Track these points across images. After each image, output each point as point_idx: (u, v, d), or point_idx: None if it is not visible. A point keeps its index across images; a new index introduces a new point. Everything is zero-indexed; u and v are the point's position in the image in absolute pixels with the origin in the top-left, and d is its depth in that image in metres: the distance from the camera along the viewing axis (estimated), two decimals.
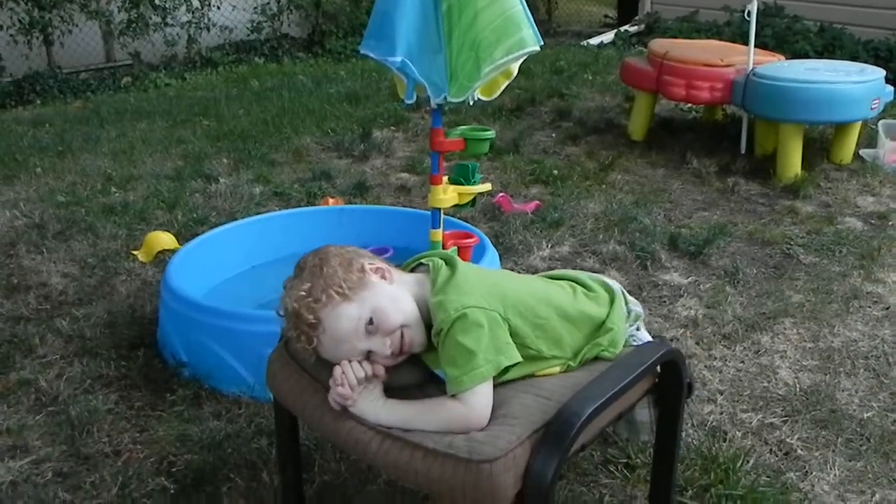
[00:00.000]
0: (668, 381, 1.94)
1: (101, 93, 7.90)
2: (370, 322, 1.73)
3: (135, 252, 3.95)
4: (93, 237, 4.18)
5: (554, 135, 5.86)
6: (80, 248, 4.06)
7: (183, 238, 3.94)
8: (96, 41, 8.75)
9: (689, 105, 6.12)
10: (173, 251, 3.67)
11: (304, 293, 1.73)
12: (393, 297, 1.77)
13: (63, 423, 2.69)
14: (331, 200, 4.35)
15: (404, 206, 4.18)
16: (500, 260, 3.32)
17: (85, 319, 3.37)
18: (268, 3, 9.57)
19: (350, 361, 1.74)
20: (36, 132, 6.29)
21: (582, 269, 3.64)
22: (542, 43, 2.55)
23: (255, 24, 9.52)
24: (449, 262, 1.84)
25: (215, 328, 2.80)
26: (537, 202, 4.46)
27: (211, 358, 2.80)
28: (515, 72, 2.64)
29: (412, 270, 1.94)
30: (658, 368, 1.92)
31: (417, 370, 1.84)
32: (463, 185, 2.81)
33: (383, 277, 1.80)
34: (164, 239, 3.95)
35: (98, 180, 5.06)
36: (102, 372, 2.97)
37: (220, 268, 3.49)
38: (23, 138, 6.09)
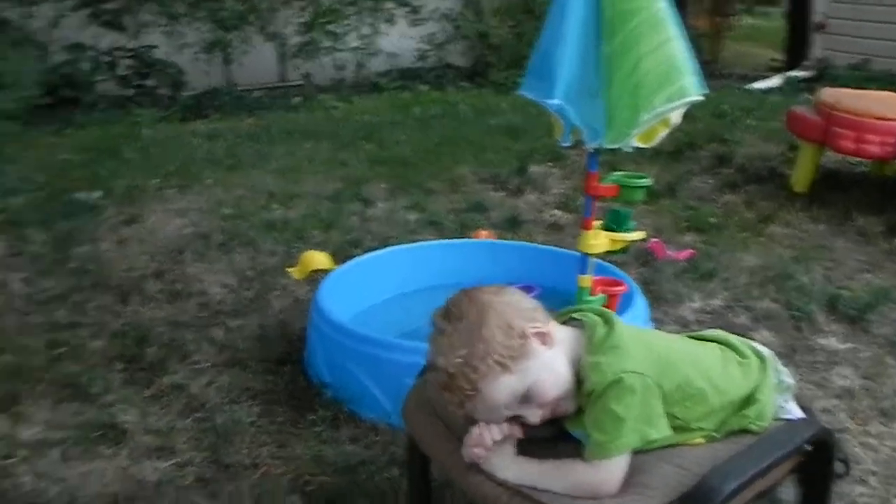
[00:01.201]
0: (817, 462, 1.84)
1: (272, 111, 8.22)
2: (526, 393, 1.67)
3: (290, 269, 4.08)
4: (253, 251, 4.36)
5: (712, 181, 5.72)
6: (240, 261, 4.24)
7: (337, 259, 4.05)
8: (271, 62, 9.16)
9: (858, 159, 5.84)
10: (327, 271, 3.78)
11: (461, 360, 1.64)
12: (552, 367, 1.69)
13: (208, 431, 2.80)
14: (483, 233, 4.38)
15: (555, 245, 4.17)
16: (649, 309, 3.26)
17: (238, 331, 3.51)
18: (434, 34, 9.78)
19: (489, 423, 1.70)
20: (210, 145, 6.62)
21: (733, 325, 3.55)
22: (706, 91, 2.49)
23: (421, 53, 9.74)
24: (606, 320, 1.78)
25: (359, 353, 2.86)
26: (691, 251, 4.35)
27: (353, 382, 2.85)
28: (677, 121, 2.58)
29: (563, 322, 1.88)
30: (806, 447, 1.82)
31: (550, 425, 1.79)
32: (615, 231, 2.78)
33: (543, 343, 1.70)
34: (320, 258, 4.05)
35: (262, 196, 5.28)
36: (249, 384, 3.08)
37: (370, 292, 3.55)
38: (198, 151, 6.43)
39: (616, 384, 1.63)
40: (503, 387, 1.65)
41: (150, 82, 8.56)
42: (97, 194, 5.23)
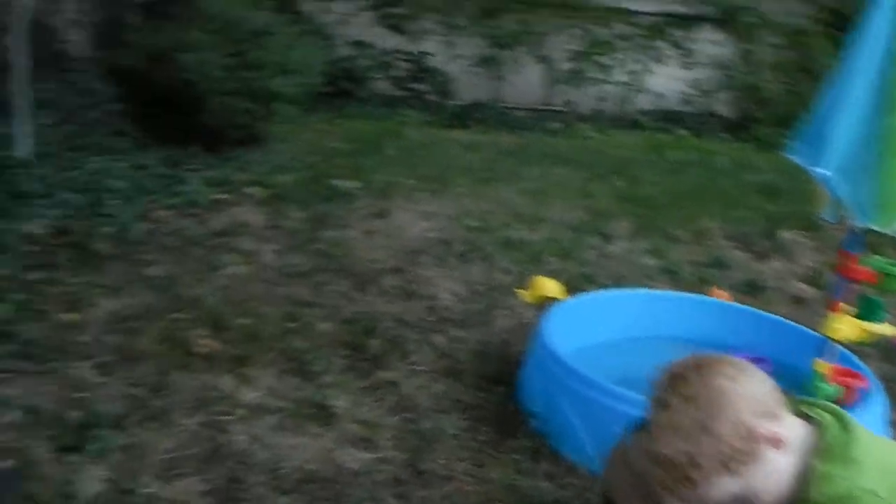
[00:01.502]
0: None
1: (532, 132, 8.34)
2: (743, 496, 1.54)
3: (520, 291, 4.09)
4: (489, 266, 4.44)
5: None
6: (474, 273, 4.33)
7: (568, 289, 4.02)
8: (538, 84, 9.29)
9: None
10: (556, 300, 3.77)
11: (684, 454, 1.50)
12: (776, 476, 1.54)
13: (412, 433, 2.87)
14: (718, 292, 4.21)
15: (795, 321, 3.96)
16: (889, 410, 3.01)
17: (460, 341, 3.58)
18: (703, 80, 9.55)
19: None
20: (468, 156, 6.82)
21: None
22: None
23: (686, 97, 9.55)
24: (842, 422, 1.61)
25: (574, 391, 2.83)
26: None
27: (561, 418, 2.83)
28: None
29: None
30: None
31: None
32: (865, 320, 2.60)
33: (775, 447, 1.52)
34: (551, 286, 4.01)
35: (508, 213, 5.36)
36: (461, 397, 3.14)
37: (596, 330, 3.52)
38: (455, 159, 6.64)
39: (846, 500, 1.50)
40: (722, 487, 1.52)
41: (421, 87, 8.96)
42: (355, 184, 5.51)
